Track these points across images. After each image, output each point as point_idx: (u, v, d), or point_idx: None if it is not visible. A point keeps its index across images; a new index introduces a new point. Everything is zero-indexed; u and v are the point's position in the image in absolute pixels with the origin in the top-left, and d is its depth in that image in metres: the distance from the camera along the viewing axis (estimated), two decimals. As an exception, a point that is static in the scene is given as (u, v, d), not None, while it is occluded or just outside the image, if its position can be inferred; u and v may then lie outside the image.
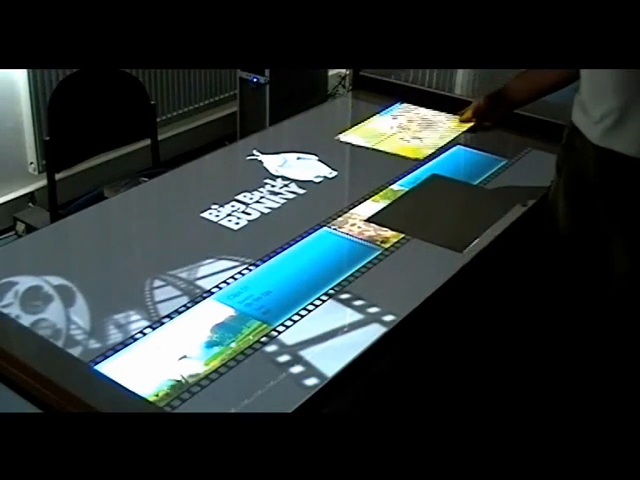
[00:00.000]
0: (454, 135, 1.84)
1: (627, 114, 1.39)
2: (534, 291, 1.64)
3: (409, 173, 1.89)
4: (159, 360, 1.29)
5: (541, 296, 1.62)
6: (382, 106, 2.11)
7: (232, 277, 1.49)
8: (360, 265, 1.53)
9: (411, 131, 1.90)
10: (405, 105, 2.00)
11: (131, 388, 1.22)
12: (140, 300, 1.43)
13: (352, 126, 2.14)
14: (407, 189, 1.81)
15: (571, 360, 1.53)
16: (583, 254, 1.56)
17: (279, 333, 1.35)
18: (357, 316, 1.41)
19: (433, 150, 1.81)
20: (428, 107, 2.25)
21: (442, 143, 1.81)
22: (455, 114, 1.89)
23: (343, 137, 1.88)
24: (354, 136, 1.89)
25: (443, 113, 1.94)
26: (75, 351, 1.32)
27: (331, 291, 1.46)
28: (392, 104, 2.04)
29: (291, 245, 1.60)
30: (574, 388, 1.47)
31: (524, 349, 1.64)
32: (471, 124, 1.81)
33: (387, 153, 1.87)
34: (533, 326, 1.62)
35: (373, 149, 1.84)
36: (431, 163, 1.97)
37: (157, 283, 1.48)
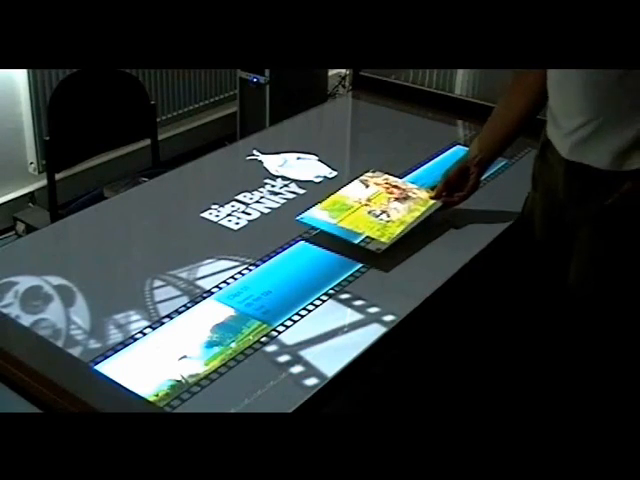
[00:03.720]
0: (423, 210, 1.65)
1: (598, 127, 1.36)
2: (521, 297, 1.64)
3: (410, 172, 1.90)
4: (159, 360, 1.29)
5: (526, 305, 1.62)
6: (352, 172, 1.83)
7: (232, 277, 1.49)
8: (360, 265, 1.53)
9: (379, 203, 1.68)
10: (378, 172, 1.80)
11: (131, 388, 1.22)
12: (140, 300, 1.43)
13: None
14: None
15: (561, 360, 1.53)
16: (559, 267, 1.52)
17: (279, 333, 1.35)
18: (357, 316, 1.41)
19: (400, 231, 1.58)
20: (429, 108, 2.25)
21: (410, 220, 1.61)
22: (431, 186, 1.73)
23: (306, 214, 1.64)
24: (318, 211, 1.66)
25: (415, 186, 1.75)
26: (75, 351, 1.32)
27: (331, 291, 1.46)
28: (364, 172, 1.82)
29: (291, 245, 1.60)
30: (574, 389, 1.47)
31: (522, 348, 1.64)
32: (440, 203, 1.68)
33: (351, 232, 1.59)
34: (528, 327, 1.62)
35: (336, 226, 1.59)
36: (431, 163, 1.97)
37: (157, 283, 1.48)
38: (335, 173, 1.94)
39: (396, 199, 1.69)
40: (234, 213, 1.73)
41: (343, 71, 3.69)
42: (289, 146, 2.07)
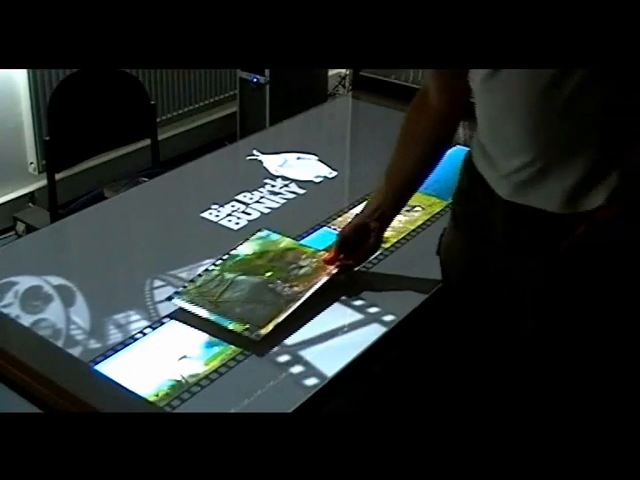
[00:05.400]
0: (313, 281, 1.42)
1: (545, 166, 1.16)
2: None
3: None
4: (159, 360, 1.29)
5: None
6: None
7: (232, 277, 1.49)
8: (360, 265, 1.52)
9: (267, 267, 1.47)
10: (266, 232, 1.58)
11: (131, 388, 1.22)
12: (140, 300, 1.43)
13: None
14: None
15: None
16: (485, 315, 1.35)
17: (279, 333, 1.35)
18: (357, 316, 1.41)
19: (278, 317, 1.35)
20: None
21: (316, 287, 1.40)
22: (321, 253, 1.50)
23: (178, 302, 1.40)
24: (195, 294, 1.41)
25: (309, 252, 1.50)
26: (75, 351, 1.32)
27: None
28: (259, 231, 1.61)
29: (291, 245, 1.59)
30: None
31: (521, 347, 1.63)
32: (335, 269, 1.44)
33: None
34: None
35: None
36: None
37: (157, 283, 1.48)
38: (335, 173, 1.94)
39: (284, 265, 1.47)
40: (234, 213, 1.73)
41: (343, 71, 3.69)
42: (289, 146, 2.07)
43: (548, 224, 1.19)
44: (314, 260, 1.48)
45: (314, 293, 1.40)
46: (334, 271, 1.44)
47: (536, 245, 1.22)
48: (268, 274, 1.45)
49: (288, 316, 1.36)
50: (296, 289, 1.40)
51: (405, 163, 1.43)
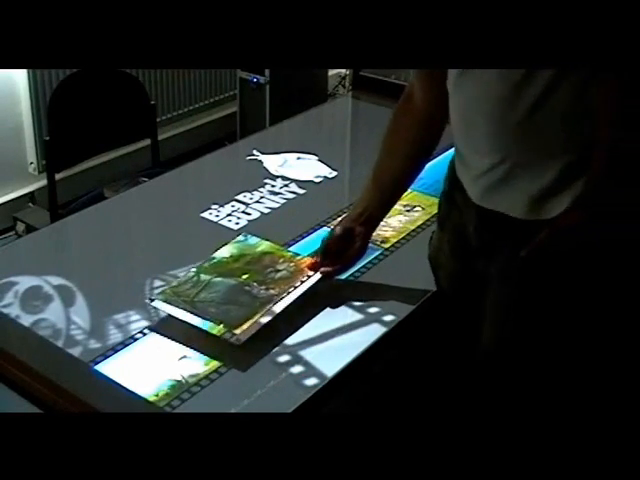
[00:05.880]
0: (290, 284, 1.40)
1: (509, 170, 1.16)
2: None
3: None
4: (159, 360, 1.29)
5: None
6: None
7: (232, 277, 1.49)
8: (360, 265, 1.53)
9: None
10: (245, 236, 1.56)
11: (131, 388, 1.22)
12: (140, 300, 1.43)
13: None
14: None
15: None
16: (469, 326, 1.33)
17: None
18: (357, 316, 1.41)
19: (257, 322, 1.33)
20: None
21: (292, 290, 1.39)
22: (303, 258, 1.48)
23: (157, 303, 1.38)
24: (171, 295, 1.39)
25: (287, 256, 1.49)
26: (75, 351, 1.32)
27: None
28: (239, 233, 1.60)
29: (291, 245, 1.59)
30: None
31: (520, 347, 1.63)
32: (318, 276, 1.41)
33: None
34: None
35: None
36: (430, 163, 1.96)
37: (157, 283, 1.48)
38: (335, 173, 1.94)
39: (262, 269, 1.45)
40: (234, 213, 1.73)
41: (343, 71, 3.69)
42: (289, 146, 2.07)
43: (513, 230, 1.19)
44: (292, 264, 1.46)
45: (308, 296, 1.40)
46: (316, 277, 1.42)
47: (501, 251, 1.22)
48: (244, 276, 1.44)
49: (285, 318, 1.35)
50: (272, 292, 1.39)
51: (392, 163, 1.41)
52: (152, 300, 1.40)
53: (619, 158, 1.12)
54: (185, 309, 1.35)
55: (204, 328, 1.32)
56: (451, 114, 1.26)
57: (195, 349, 1.30)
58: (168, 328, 1.35)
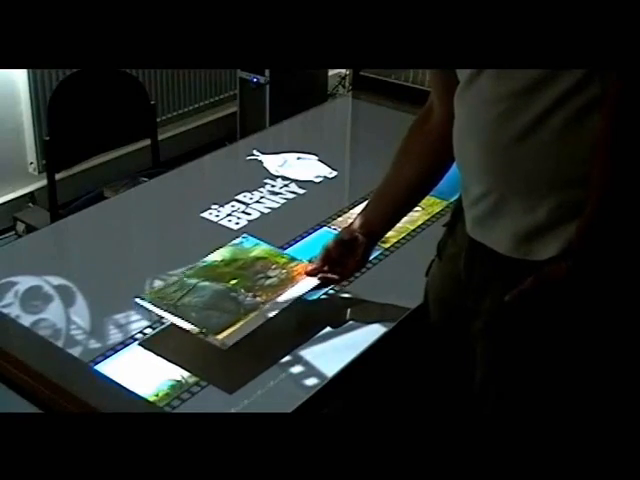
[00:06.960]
0: (278, 292, 1.38)
1: (498, 201, 1.11)
2: None
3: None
4: (159, 360, 1.29)
5: None
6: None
7: (232, 277, 1.49)
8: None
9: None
10: (242, 239, 1.56)
11: (131, 388, 1.22)
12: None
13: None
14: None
15: None
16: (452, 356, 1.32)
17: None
18: (357, 316, 1.41)
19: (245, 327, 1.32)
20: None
21: (280, 299, 1.37)
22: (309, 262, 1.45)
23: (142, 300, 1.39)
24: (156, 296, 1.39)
25: (281, 262, 1.47)
26: (75, 351, 1.32)
27: (331, 291, 1.46)
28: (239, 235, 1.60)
29: (291, 245, 1.60)
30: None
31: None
32: (312, 283, 1.39)
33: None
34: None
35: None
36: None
37: (157, 283, 1.48)
38: (335, 173, 1.94)
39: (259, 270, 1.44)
40: (234, 213, 1.73)
41: (343, 71, 3.69)
42: (289, 146, 2.07)
43: (499, 267, 1.14)
44: (284, 271, 1.44)
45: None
46: (309, 285, 1.39)
47: (487, 291, 1.16)
48: (233, 282, 1.42)
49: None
50: (258, 299, 1.37)
51: (401, 178, 1.37)
52: (142, 299, 1.39)
53: (615, 204, 1.04)
54: (168, 311, 1.34)
55: (187, 328, 1.30)
56: (453, 135, 1.21)
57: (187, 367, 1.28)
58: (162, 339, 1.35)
